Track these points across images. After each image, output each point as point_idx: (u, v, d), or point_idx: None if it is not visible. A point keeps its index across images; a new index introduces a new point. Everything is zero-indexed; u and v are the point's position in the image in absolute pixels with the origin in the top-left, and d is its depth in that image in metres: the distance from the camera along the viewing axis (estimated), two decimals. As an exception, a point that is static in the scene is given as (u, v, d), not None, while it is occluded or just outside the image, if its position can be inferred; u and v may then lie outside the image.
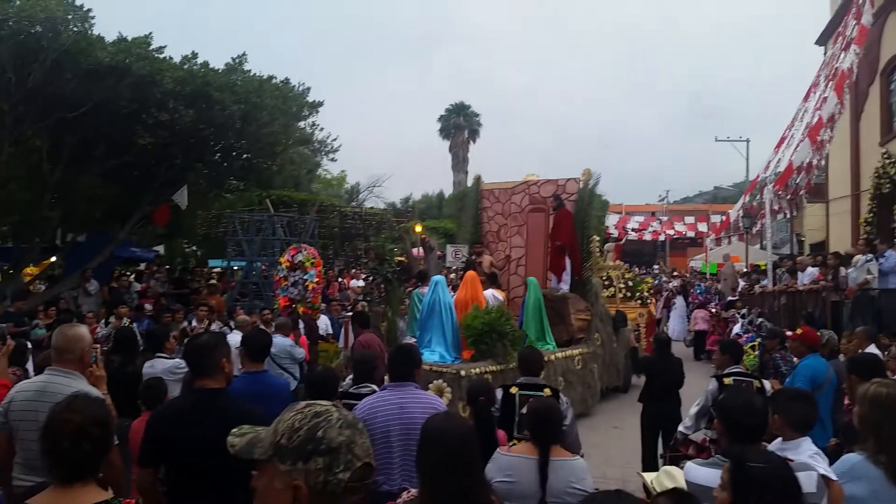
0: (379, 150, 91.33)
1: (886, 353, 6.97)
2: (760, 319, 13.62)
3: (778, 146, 20.75)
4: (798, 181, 17.70)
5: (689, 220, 32.29)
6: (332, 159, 32.12)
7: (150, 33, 13.12)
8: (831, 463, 3.31)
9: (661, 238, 33.91)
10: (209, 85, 13.27)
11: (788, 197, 18.61)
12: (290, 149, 19.08)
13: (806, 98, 19.54)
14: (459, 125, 50.42)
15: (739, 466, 2.40)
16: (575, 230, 11.90)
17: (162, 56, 13.25)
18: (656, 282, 22.31)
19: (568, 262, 11.75)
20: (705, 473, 3.00)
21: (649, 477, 3.66)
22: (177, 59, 13.56)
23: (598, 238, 12.86)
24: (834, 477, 3.08)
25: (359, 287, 18.29)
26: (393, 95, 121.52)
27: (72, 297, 13.74)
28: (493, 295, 10.19)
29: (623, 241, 27.73)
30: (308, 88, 16.54)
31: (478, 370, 8.52)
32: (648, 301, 15.20)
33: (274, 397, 4.25)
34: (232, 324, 10.58)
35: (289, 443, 1.47)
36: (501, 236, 13.05)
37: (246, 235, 16.37)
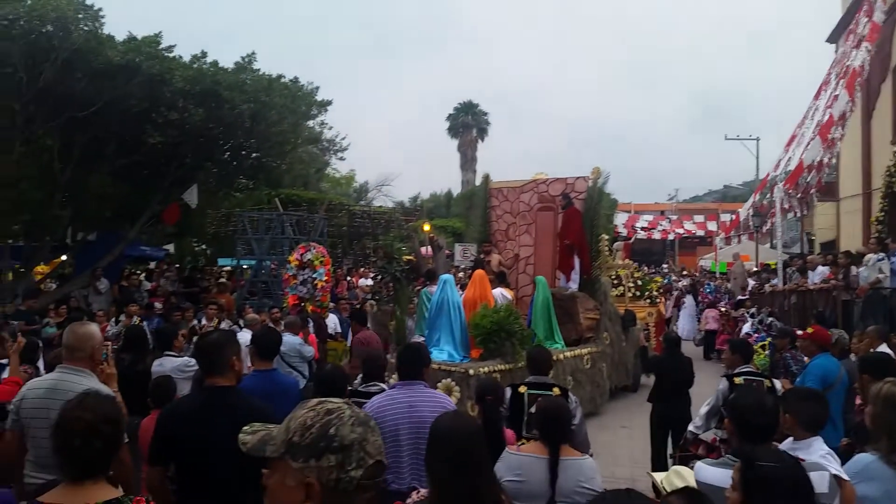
0: (387, 149, 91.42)
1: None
2: (771, 319, 13.55)
3: (788, 144, 20.64)
4: (809, 179, 17.60)
5: (699, 218, 32.23)
6: (341, 158, 32.17)
7: (160, 32, 13.19)
8: (843, 463, 3.29)
9: (671, 237, 33.80)
10: (219, 84, 13.31)
11: (799, 195, 18.50)
12: (298, 148, 19.13)
13: (817, 96, 19.43)
14: (468, 124, 50.34)
15: (750, 466, 2.38)
16: (584, 229, 11.87)
17: (172, 55, 13.30)
18: (665, 281, 22.23)
19: (577, 260, 11.73)
20: (716, 473, 2.98)
21: (659, 477, 3.65)
22: (186, 59, 13.62)
23: (607, 237, 12.82)
24: (846, 477, 3.06)
25: (367, 286, 18.30)
26: (401, 94, 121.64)
27: (82, 295, 13.81)
28: (501, 294, 10.18)
29: (632, 239, 27.69)
30: (317, 87, 16.59)
31: (486, 369, 8.51)
32: (658, 300, 15.15)
33: (283, 395, 4.26)
34: (241, 322, 10.60)
35: (301, 440, 1.47)
36: (510, 235, 13.03)
37: (255, 234, 16.41)
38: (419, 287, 12.84)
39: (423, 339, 9.15)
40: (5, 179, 12.55)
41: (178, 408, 3.58)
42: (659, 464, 6.91)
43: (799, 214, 21.31)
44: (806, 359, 6.95)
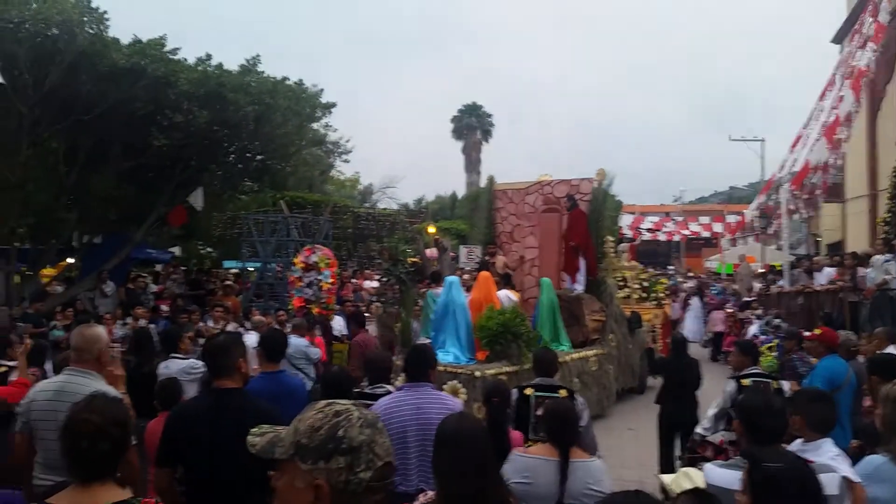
0: (392, 152, 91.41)
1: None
2: (777, 320, 13.51)
3: (793, 146, 20.60)
4: (814, 181, 17.57)
5: (705, 220, 32.13)
6: (346, 160, 32.25)
7: (165, 35, 13.21)
8: (853, 465, 3.26)
9: (676, 238, 33.73)
10: (223, 86, 13.33)
11: (805, 197, 18.47)
12: (303, 150, 19.15)
13: (822, 97, 19.37)
14: (472, 126, 50.36)
15: (755, 467, 2.37)
16: (589, 230, 11.86)
17: (176, 58, 13.33)
18: (671, 282, 22.17)
19: (582, 262, 11.71)
20: (725, 475, 2.97)
21: (667, 479, 3.63)
22: (191, 61, 13.65)
23: (612, 238, 12.81)
24: (857, 479, 3.04)
25: (373, 288, 18.30)
26: (405, 96, 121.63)
27: (88, 298, 13.86)
28: (507, 296, 10.17)
29: (637, 241, 27.63)
30: (321, 90, 16.60)
31: (492, 371, 8.50)
32: (664, 302, 15.12)
33: (290, 397, 4.27)
34: (247, 324, 10.62)
35: (310, 442, 1.47)
36: (515, 237, 13.02)
37: (260, 237, 16.44)
38: (424, 289, 12.82)
39: (428, 341, 9.14)
40: (11, 182, 12.59)
41: (185, 410, 3.59)
42: (666, 466, 6.89)
43: (805, 216, 21.28)
44: (813, 360, 6.91)
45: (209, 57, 13.83)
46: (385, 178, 46.37)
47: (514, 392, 5.14)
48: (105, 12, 12.42)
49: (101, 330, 3.96)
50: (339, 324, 12.21)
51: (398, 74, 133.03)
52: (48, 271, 16.52)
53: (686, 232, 31.81)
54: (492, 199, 13.46)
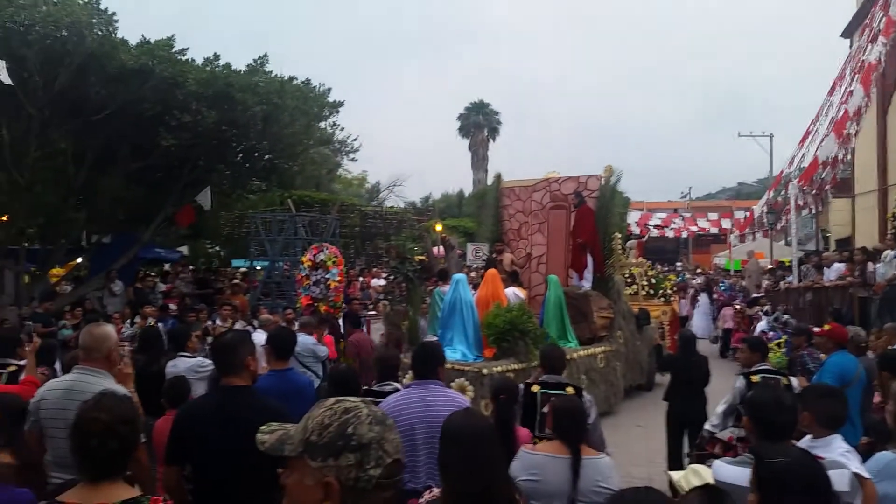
0: (399, 150, 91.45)
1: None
2: (786, 316, 13.45)
3: (802, 141, 20.50)
4: (823, 176, 17.48)
5: (713, 216, 31.98)
6: (353, 159, 32.31)
7: (173, 35, 13.28)
8: (864, 462, 3.25)
9: (684, 235, 33.61)
10: (231, 86, 13.38)
11: (814, 192, 18.37)
12: (311, 149, 19.19)
13: (831, 92, 19.27)
14: (479, 123, 50.34)
15: (761, 464, 2.36)
16: (596, 227, 11.82)
17: (184, 58, 13.38)
18: (679, 279, 22.12)
19: (590, 259, 11.68)
20: (734, 472, 2.96)
21: (676, 475, 3.61)
22: (199, 62, 13.69)
23: (619, 235, 12.77)
24: (868, 475, 3.02)
25: (380, 286, 18.35)
26: (412, 94, 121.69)
27: (97, 297, 13.93)
28: (514, 293, 10.16)
29: (645, 238, 27.55)
30: (329, 89, 16.64)
31: (500, 368, 8.50)
32: (672, 299, 15.07)
33: (299, 395, 4.28)
34: (255, 323, 10.65)
35: (319, 439, 1.47)
36: (522, 234, 13.00)
37: (268, 235, 16.49)
38: (431, 287, 12.84)
39: (436, 338, 9.14)
40: (21, 184, 12.67)
41: (194, 408, 3.60)
42: (675, 463, 6.87)
43: (814, 211, 21.17)
44: (823, 356, 6.88)
45: (217, 57, 13.88)
46: (392, 176, 46.44)
47: (521, 387, 5.14)
48: (114, 14, 12.49)
49: (110, 329, 3.98)
50: (347, 322, 12.23)
51: (405, 72, 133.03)
52: (57, 271, 16.63)
53: (694, 228, 31.66)
54: (499, 197, 13.44)
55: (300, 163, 18.21)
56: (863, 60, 16.74)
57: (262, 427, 1.57)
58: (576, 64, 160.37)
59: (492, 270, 10.33)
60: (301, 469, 1.48)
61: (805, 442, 3.42)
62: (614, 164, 12.35)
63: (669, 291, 14.87)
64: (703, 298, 19.85)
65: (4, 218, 14.03)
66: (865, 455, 3.60)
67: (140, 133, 13.13)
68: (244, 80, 13.78)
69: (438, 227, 23.13)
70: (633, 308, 12.36)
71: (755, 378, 5.66)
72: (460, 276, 9.90)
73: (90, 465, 2.41)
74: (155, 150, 13.33)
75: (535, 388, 5.08)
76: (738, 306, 17.22)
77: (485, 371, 8.39)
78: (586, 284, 11.63)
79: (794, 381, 5.89)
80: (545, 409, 4.71)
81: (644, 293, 14.20)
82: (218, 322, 10.83)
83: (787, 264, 18.72)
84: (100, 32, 12.13)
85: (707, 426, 5.92)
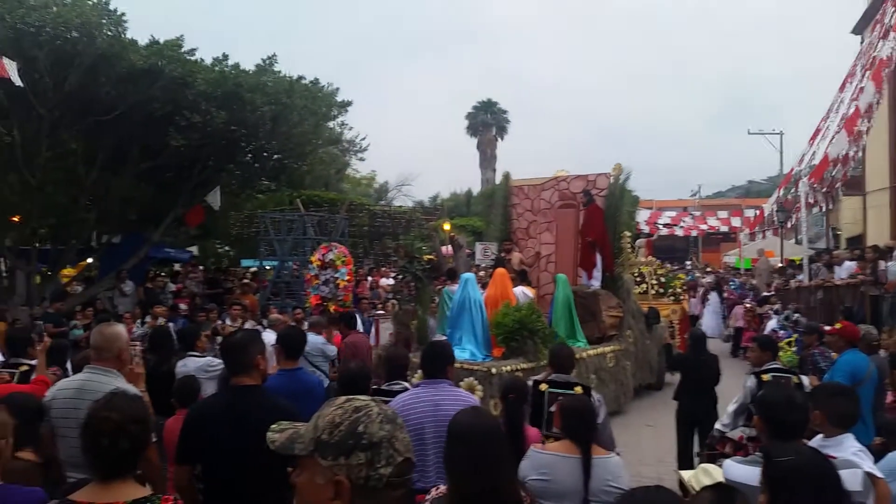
0: (407, 149, 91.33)
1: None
2: (797, 315, 13.38)
3: (813, 138, 20.36)
4: (834, 173, 17.35)
5: (723, 214, 31.88)
6: (361, 159, 32.35)
7: (182, 36, 13.33)
8: (876, 462, 3.22)
9: (694, 233, 33.49)
10: (240, 86, 13.42)
11: (824, 190, 18.25)
12: (319, 149, 19.22)
13: (842, 88, 19.12)
14: (487, 122, 50.32)
15: (770, 463, 2.35)
16: (606, 226, 11.80)
17: (194, 58, 13.43)
18: (689, 277, 22.03)
19: (599, 258, 11.65)
20: (745, 471, 2.94)
21: (687, 475, 3.60)
22: (208, 62, 13.74)
23: (629, 234, 12.73)
24: (880, 475, 3.00)
25: (389, 285, 18.34)
26: (420, 94, 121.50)
27: (108, 297, 14.01)
28: (522, 292, 10.14)
29: (655, 236, 27.47)
30: (337, 88, 16.67)
31: (509, 368, 8.49)
32: (682, 297, 15.02)
33: (309, 395, 4.29)
34: (265, 322, 10.68)
35: (330, 438, 1.47)
36: (531, 233, 12.98)
37: (278, 235, 16.53)
38: (440, 286, 12.83)
39: (444, 337, 9.14)
40: (32, 184, 12.75)
41: (204, 407, 3.61)
42: (685, 462, 6.85)
43: (824, 209, 21.05)
44: (834, 355, 6.84)
45: (226, 57, 13.94)
46: (400, 175, 46.42)
47: (529, 383, 5.13)
48: (123, 14, 12.55)
49: (120, 328, 3.99)
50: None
51: (412, 71, 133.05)
52: (68, 271, 16.73)
53: (704, 227, 31.56)
54: (508, 196, 13.43)
55: (309, 162, 18.26)
56: (874, 57, 16.61)
57: (273, 426, 1.57)
58: (582, 62, 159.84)
59: (500, 269, 10.32)
60: (312, 468, 1.48)
61: (816, 441, 3.39)
62: (623, 162, 12.35)
63: (679, 290, 14.82)
64: (713, 297, 19.78)
65: (16, 218, 14.12)
66: (878, 455, 3.57)
67: (150, 133, 13.19)
68: (253, 80, 13.83)
69: (447, 227, 23.07)
70: (642, 307, 12.33)
71: (766, 377, 5.63)
72: (469, 275, 9.89)
73: (101, 465, 2.42)
74: (165, 151, 13.39)
75: (543, 387, 5.07)
76: (748, 305, 17.15)
77: (494, 370, 8.39)
78: (595, 283, 11.60)
79: (805, 379, 5.86)
80: (552, 409, 4.70)
81: (654, 292, 14.16)
82: (228, 322, 10.88)
83: (798, 262, 18.63)
84: (109, 33, 12.19)
85: (717, 425, 5.90)
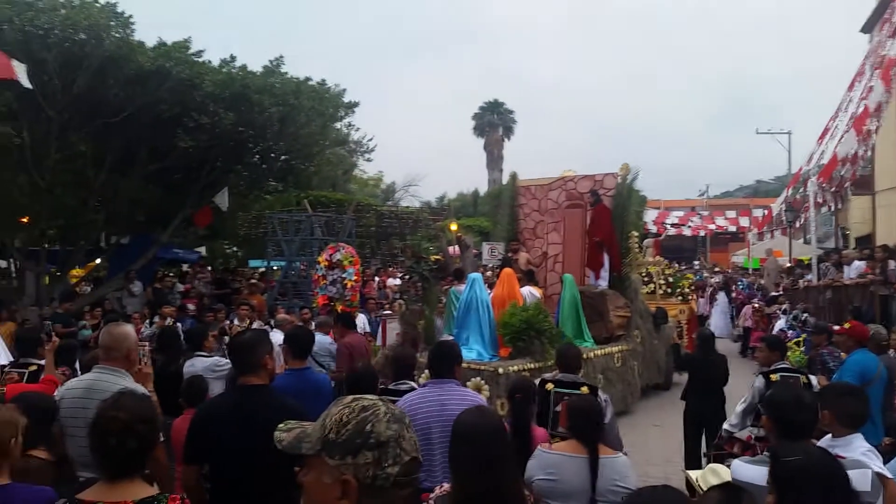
0: (413, 150, 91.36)
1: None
2: (805, 315, 13.32)
3: (821, 138, 20.25)
4: (843, 173, 17.26)
5: (731, 214, 31.77)
6: (368, 159, 32.34)
7: (189, 37, 13.38)
8: (885, 462, 3.21)
9: (702, 233, 33.40)
10: (248, 88, 13.46)
11: (833, 189, 18.16)
12: (326, 150, 19.25)
13: (850, 87, 19.01)
14: (493, 123, 50.36)
15: (777, 462, 2.34)
16: (613, 226, 11.77)
17: (201, 60, 13.47)
18: (697, 277, 21.98)
19: (606, 258, 11.63)
20: (753, 471, 2.93)
21: (694, 475, 3.58)
22: (215, 63, 13.79)
23: (636, 234, 12.71)
24: (890, 475, 2.98)
25: (396, 285, 18.37)
26: (426, 94, 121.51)
27: (116, 297, 14.07)
28: (530, 292, 10.13)
29: (662, 236, 27.41)
30: (344, 90, 16.70)
31: (516, 368, 8.48)
32: (690, 297, 14.98)
33: (316, 394, 4.30)
34: (272, 322, 10.70)
35: (337, 437, 1.47)
36: (538, 233, 12.97)
37: (285, 236, 16.57)
38: (447, 286, 12.84)
39: (451, 338, 9.14)
40: (41, 186, 12.82)
41: (212, 407, 3.62)
42: (692, 462, 6.83)
43: (833, 209, 20.94)
44: (843, 355, 6.81)
45: (233, 59, 13.99)
46: (407, 176, 46.50)
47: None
48: (130, 16, 12.61)
49: (129, 328, 4.01)
50: (362, 321, 12.26)
51: (419, 72, 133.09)
52: (77, 272, 16.81)
53: (712, 226, 31.47)
54: (514, 196, 13.42)
55: (316, 163, 18.30)
56: (883, 55, 16.52)
57: (280, 425, 1.57)
58: (582, 62, 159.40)
59: (507, 269, 10.32)
60: (319, 467, 1.48)
61: (825, 441, 3.38)
62: (630, 162, 12.32)
63: (687, 290, 14.77)
64: (721, 297, 19.72)
65: (26, 220, 14.20)
66: (888, 456, 3.55)
67: (158, 135, 13.24)
68: (260, 82, 13.86)
69: (454, 227, 23.11)
70: (650, 307, 12.30)
71: (774, 377, 5.61)
72: (476, 275, 9.89)
73: (109, 464, 2.43)
74: (173, 152, 13.44)
75: (549, 387, 5.06)
76: (756, 305, 17.09)
77: (501, 370, 8.39)
78: (603, 283, 11.58)
79: (814, 379, 5.84)
80: (558, 408, 4.69)
81: (661, 292, 14.12)
82: (236, 322, 10.91)
83: (807, 262, 18.55)
84: (117, 35, 12.24)
85: (725, 426, 5.88)
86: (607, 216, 11.76)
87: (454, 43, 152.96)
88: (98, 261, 17.20)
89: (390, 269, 21.43)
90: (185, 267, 19.54)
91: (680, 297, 14.33)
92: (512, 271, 10.26)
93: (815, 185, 17.19)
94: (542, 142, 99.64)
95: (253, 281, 16.10)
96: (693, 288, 16.41)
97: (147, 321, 11.50)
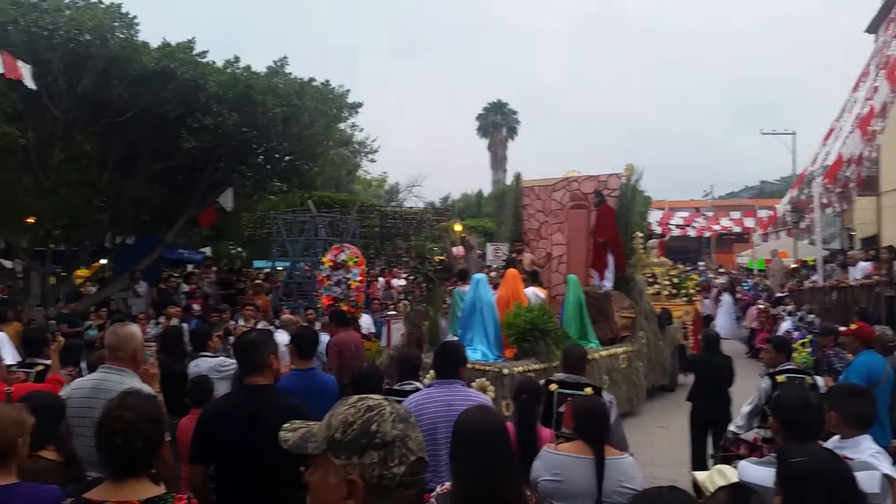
0: (417, 150, 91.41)
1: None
2: (811, 316, 13.28)
3: (826, 138, 20.22)
4: (848, 174, 17.22)
5: (735, 215, 31.67)
6: (372, 160, 32.38)
7: (194, 38, 13.38)
8: (894, 464, 3.18)
9: (707, 234, 33.33)
10: (252, 88, 13.46)
11: (838, 190, 18.11)
12: (330, 150, 19.25)
13: (855, 88, 18.98)
14: (497, 123, 50.35)
15: (783, 464, 2.33)
16: (617, 226, 11.76)
17: (205, 60, 13.49)
18: (702, 278, 21.94)
19: (611, 259, 11.62)
20: (760, 472, 2.92)
21: (701, 476, 3.58)
22: (220, 64, 13.80)
23: (641, 234, 12.70)
24: (898, 477, 2.97)
25: (400, 286, 18.37)
26: (430, 95, 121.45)
27: (121, 298, 14.09)
28: (534, 293, 10.13)
29: (667, 237, 27.36)
30: (348, 90, 16.69)
31: (520, 368, 8.47)
32: (695, 298, 14.95)
33: (321, 394, 4.30)
34: (277, 322, 10.71)
35: (343, 437, 1.46)
36: (542, 234, 12.96)
37: (289, 236, 16.58)
38: (451, 287, 12.83)
39: (456, 338, 9.13)
40: (46, 186, 12.84)
41: (217, 407, 3.63)
42: (699, 464, 6.81)
43: (838, 209, 20.87)
44: (849, 356, 6.78)
45: (237, 59, 13.99)
46: (411, 176, 46.56)
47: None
48: (135, 17, 12.62)
49: (135, 328, 4.01)
50: (366, 321, 12.26)
51: (422, 72, 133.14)
52: (82, 272, 16.82)
53: (717, 227, 31.38)
54: (519, 196, 13.42)
55: (320, 164, 18.28)
56: (888, 56, 16.47)
57: (285, 425, 1.57)
58: (582, 62, 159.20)
59: (512, 270, 10.31)
60: (325, 467, 1.47)
61: (832, 443, 3.36)
62: (635, 162, 12.31)
63: (692, 291, 14.75)
64: (726, 298, 19.67)
65: (31, 220, 14.22)
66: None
67: (162, 135, 13.26)
68: (264, 82, 13.87)
69: (458, 228, 23.13)
70: (655, 308, 12.27)
71: (780, 378, 5.59)
72: (480, 276, 9.89)
73: (115, 463, 2.43)
74: (177, 152, 13.45)
75: (553, 387, 5.06)
76: (761, 306, 17.04)
77: (505, 371, 8.38)
78: (607, 284, 11.57)
79: (820, 380, 5.82)
80: (561, 409, 4.69)
81: (666, 293, 14.10)
82: (240, 322, 10.91)
83: (812, 263, 18.49)
84: (122, 36, 12.26)
85: (732, 427, 5.86)
86: (611, 217, 11.74)
87: (448, 43, 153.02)
88: (103, 261, 17.22)
89: (395, 269, 21.43)
90: (190, 267, 19.55)
91: (685, 298, 14.30)
92: (516, 272, 10.25)
93: (820, 186, 17.13)
94: (547, 142, 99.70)
95: (258, 281, 16.11)
96: (698, 289, 16.37)
97: (152, 321, 11.52)
